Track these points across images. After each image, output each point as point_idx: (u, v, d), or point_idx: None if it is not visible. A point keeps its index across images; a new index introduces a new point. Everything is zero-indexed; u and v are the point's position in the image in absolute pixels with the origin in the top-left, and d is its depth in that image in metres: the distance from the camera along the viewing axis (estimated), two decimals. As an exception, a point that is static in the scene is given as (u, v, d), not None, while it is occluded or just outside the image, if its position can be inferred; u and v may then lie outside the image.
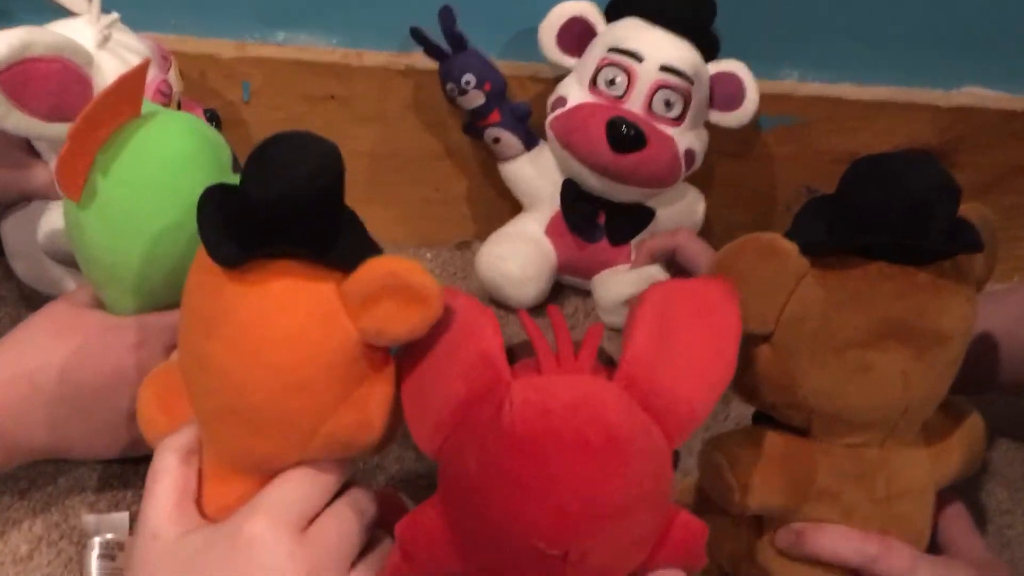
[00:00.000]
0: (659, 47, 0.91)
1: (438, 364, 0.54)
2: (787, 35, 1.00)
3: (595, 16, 0.94)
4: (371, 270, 0.51)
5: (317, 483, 0.56)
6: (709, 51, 0.94)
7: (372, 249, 0.54)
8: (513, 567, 0.52)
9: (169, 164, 0.64)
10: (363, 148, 1.02)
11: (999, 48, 0.98)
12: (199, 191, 0.53)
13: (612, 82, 0.91)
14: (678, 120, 0.92)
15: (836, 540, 0.63)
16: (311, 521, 0.55)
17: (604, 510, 0.49)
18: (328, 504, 0.56)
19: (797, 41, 1.00)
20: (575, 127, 0.91)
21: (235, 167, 0.69)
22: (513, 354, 0.55)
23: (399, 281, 0.50)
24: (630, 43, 0.91)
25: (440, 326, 0.53)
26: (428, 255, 1.07)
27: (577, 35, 0.95)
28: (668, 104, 0.91)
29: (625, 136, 0.89)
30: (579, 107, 0.92)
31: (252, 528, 0.53)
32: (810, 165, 1.04)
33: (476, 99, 0.94)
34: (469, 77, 0.93)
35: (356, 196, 0.55)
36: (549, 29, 0.94)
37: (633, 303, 0.55)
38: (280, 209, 0.50)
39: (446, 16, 0.92)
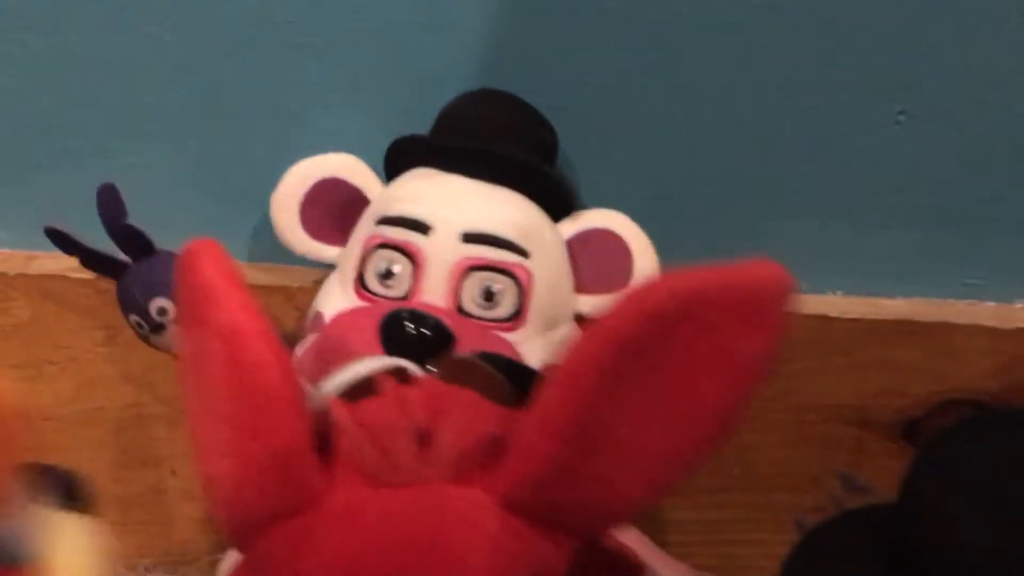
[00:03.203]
0: (457, 206, 0.55)
1: (228, 446, 0.38)
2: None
3: (363, 175, 0.59)
4: None
5: None
6: (558, 201, 0.58)
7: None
8: None
9: None
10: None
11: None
12: None
13: (388, 274, 0.55)
14: (513, 320, 0.55)
15: None
16: None
17: None
18: None
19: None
20: (333, 353, 0.53)
21: None
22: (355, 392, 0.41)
23: None
24: (407, 206, 0.55)
25: (227, 379, 0.38)
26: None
27: (339, 209, 0.59)
28: (490, 295, 0.54)
29: (412, 337, 0.51)
30: (336, 318, 0.55)
31: None
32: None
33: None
34: (163, 303, 0.57)
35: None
36: (287, 201, 0.59)
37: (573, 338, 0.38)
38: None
39: (108, 200, 0.56)
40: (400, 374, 0.41)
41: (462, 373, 0.42)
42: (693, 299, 0.36)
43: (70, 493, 0.55)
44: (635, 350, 0.36)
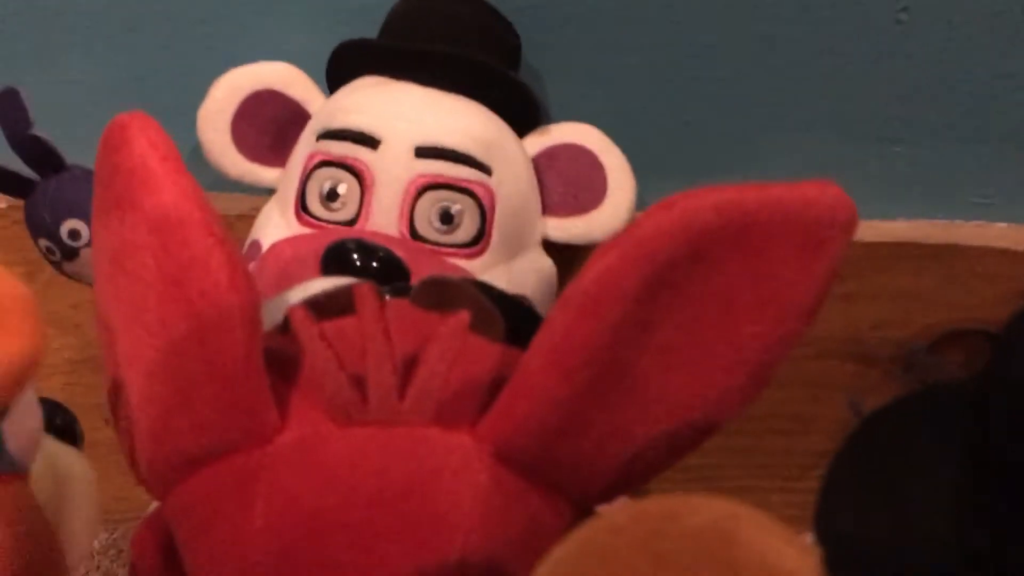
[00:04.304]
0: (409, 116, 0.49)
1: (157, 364, 0.32)
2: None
3: (302, 87, 0.53)
4: None
5: None
6: (523, 113, 0.52)
7: None
8: None
9: None
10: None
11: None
12: None
13: (333, 195, 0.48)
14: (475, 245, 0.49)
15: None
16: None
17: None
18: None
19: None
20: (270, 288, 0.47)
21: None
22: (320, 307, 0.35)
23: None
24: (353, 117, 0.49)
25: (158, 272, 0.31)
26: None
27: (276, 126, 0.53)
28: (448, 217, 0.48)
29: (358, 270, 0.45)
30: (274, 248, 0.48)
31: None
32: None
33: (100, 266, 0.51)
34: (75, 225, 0.50)
35: None
36: (216, 118, 0.52)
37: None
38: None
39: (10, 106, 0.49)
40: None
41: (446, 298, 0.35)
42: (740, 215, 0.30)
43: (68, 429, 0.50)
44: (668, 273, 0.30)
